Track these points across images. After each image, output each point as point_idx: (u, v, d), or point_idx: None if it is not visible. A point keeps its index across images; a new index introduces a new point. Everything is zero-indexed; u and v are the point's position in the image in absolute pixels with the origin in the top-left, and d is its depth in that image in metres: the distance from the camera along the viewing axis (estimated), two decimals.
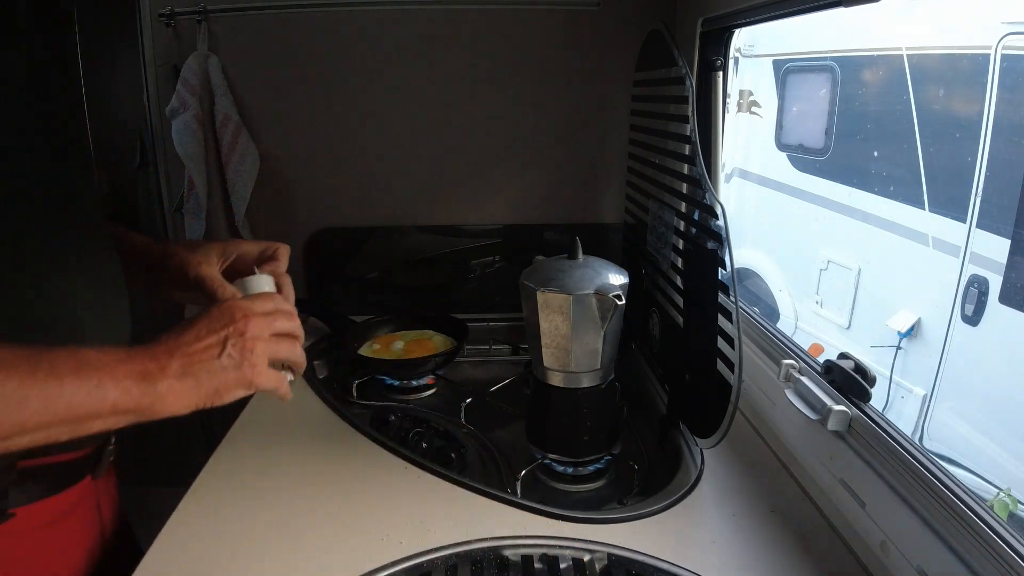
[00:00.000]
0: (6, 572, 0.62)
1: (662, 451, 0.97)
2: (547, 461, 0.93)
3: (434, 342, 1.26)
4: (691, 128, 0.89)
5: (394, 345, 1.24)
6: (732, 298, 0.76)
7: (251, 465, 0.87)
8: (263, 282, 0.68)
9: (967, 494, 0.59)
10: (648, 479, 0.93)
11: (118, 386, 0.50)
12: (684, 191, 0.93)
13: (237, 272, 0.71)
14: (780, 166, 3.13)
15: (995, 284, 2.06)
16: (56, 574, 0.68)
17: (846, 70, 2.69)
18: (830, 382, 0.80)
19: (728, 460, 0.90)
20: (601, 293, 0.82)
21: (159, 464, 1.33)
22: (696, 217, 0.88)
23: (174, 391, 0.53)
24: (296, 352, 0.63)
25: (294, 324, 0.63)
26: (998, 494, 1.91)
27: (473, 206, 1.41)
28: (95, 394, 0.49)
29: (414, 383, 1.18)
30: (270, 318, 0.61)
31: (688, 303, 0.92)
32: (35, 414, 0.47)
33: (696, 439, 0.89)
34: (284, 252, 0.74)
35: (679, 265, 0.95)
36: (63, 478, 0.67)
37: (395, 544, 0.72)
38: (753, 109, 3.23)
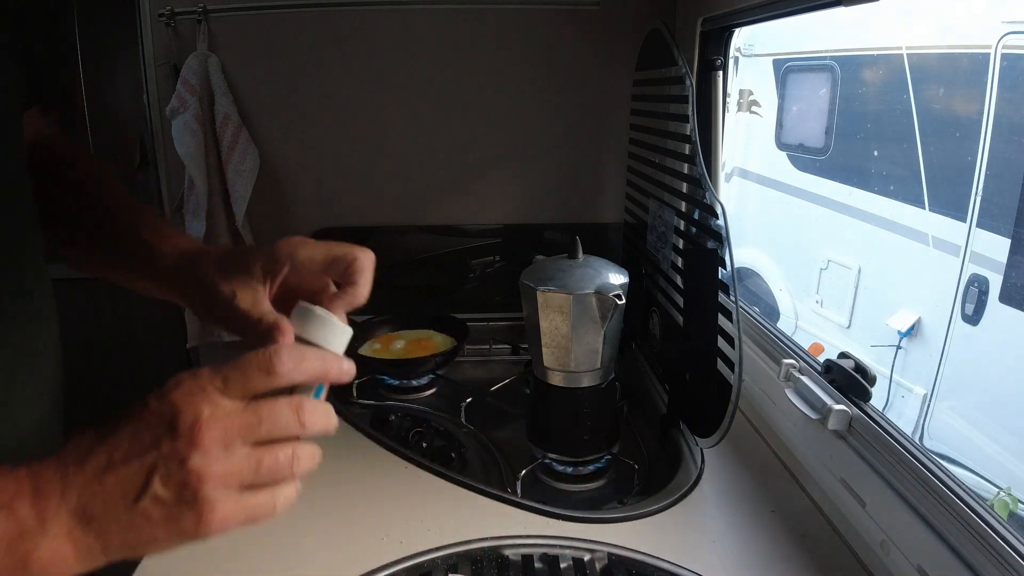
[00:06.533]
0: None
1: (662, 451, 0.97)
2: (547, 460, 0.93)
3: (434, 342, 1.26)
4: (691, 127, 0.89)
5: (394, 345, 1.24)
6: (732, 297, 0.76)
7: None
8: (332, 330, 0.44)
9: (967, 493, 0.59)
10: (648, 479, 0.93)
11: None
12: (684, 190, 0.93)
13: (294, 292, 0.49)
14: (780, 165, 3.12)
15: (995, 283, 2.05)
16: None
17: (846, 70, 2.69)
18: (830, 381, 0.80)
19: (728, 460, 0.90)
20: (601, 293, 0.82)
21: None
22: (696, 216, 0.88)
23: (61, 552, 0.35)
24: (297, 468, 0.40)
25: (314, 417, 0.41)
26: (998, 493, 1.91)
27: (473, 206, 1.41)
28: None
29: (414, 383, 1.18)
30: (257, 415, 0.38)
31: (688, 302, 0.92)
32: None
33: (696, 438, 0.89)
34: (365, 264, 0.48)
35: (679, 265, 0.95)
36: None
37: (396, 543, 0.72)
38: (753, 108, 3.22)
